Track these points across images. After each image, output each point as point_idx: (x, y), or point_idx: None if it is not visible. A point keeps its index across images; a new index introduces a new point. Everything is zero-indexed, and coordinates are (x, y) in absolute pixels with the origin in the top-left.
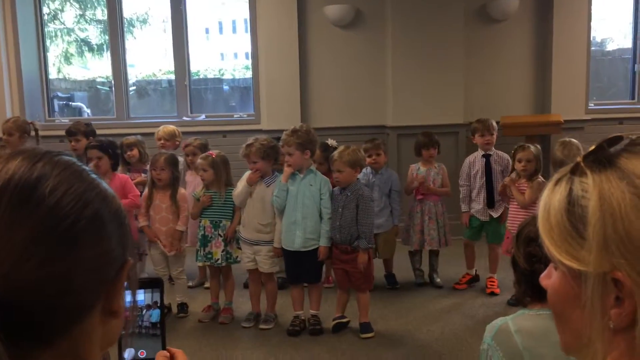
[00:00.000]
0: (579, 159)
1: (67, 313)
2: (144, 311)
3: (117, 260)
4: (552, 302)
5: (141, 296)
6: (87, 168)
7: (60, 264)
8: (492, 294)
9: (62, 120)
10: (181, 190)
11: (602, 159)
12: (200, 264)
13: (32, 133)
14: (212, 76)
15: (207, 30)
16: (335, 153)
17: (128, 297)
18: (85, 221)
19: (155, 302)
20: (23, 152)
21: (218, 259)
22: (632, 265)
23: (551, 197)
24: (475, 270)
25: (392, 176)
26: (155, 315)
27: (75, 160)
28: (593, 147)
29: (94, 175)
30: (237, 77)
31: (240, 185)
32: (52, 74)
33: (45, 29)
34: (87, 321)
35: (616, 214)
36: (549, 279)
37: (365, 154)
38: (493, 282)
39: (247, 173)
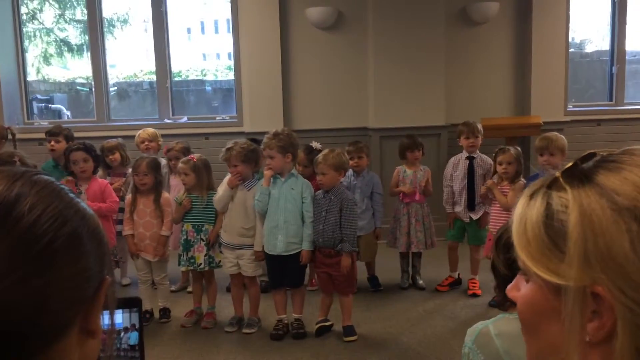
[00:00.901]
0: (557, 174)
1: (43, 332)
2: (122, 334)
3: (94, 279)
4: (523, 314)
5: (119, 318)
6: (65, 187)
7: (37, 282)
8: (474, 295)
9: (42, 123)
10: (165, 195)
11: (580, 175)
12: (183, 268)
13: (9, 137)
14: (194, 77)
15: (188, 30)
16: (320, 156)
17: (106, 320)
18: (63, 239)
19: (134, 325)
20: (1, 172)
21: (201, 264)
22: (612, 280)
23: (527, 211)
24: (459, 274)
25: (373, 178)
26: (133, 337)
27: (54, 180)
28: (570, 164)
29: (72, 195)
30: (219, 77)
31: (221, 189)
32: (31, 75)
33: (24, 29)
34: (64, 341)
35: (597, 229)
36: (517, 290)
37: (348, 157)
38: (475, 283)
39: (227, 177)
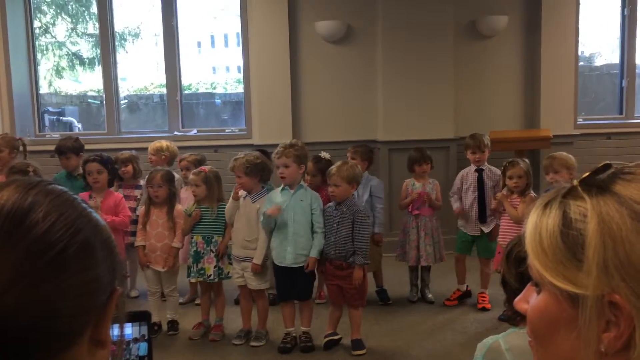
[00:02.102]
0: (574, 182)
1: (54, 339)
2: (131, 344)
3: (105, 289)
4: (535, 325)
5: (129, 330)
6: (78, 198)
7: (48, 288)
8: (484, 309)
9: (53, 135)
10: (178, 207)
11: (599, 184)
12: (193, 279)
13: (21, 148)
14: (204, 90)
15: (199, 44)
16: (333, 167)
17: (115, 331)
18: (75, 247)
19: (143, 336)
20: (16, 181)
21: (210, 275)
22: (631, 288)
23: (542, 220)
24: (467, 286)
25: (371, 182)
26: (142, 348)
27: (67, 190)
28: (587, 174)
29: (85, 205)
30: (229, 90)
31: (229, 202)
32: (43, 88)
33: (37, 43)
34: (74, 349)
35: (617, 237)
36: (526, 302)
37: (347, 154)
38: (484, 297)
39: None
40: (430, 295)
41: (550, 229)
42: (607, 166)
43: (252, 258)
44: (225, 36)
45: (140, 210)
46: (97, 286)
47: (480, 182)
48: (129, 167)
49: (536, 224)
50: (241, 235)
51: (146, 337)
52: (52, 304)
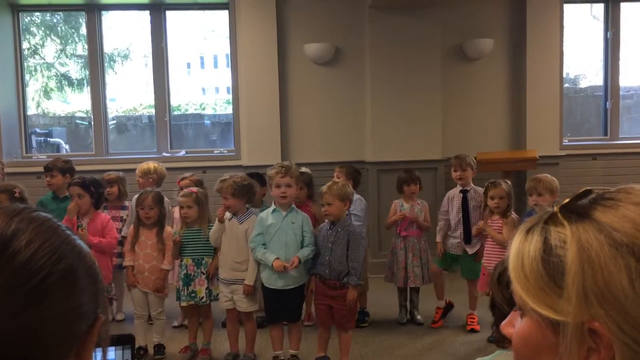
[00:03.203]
0: (555, 209)
1: None
2: None
3: (88, 316)
4: (519, 350)
5: (112, 354)
6: (62, 225)
7: (31, 316)
8: (473, 330)
9: (40, 157)
10: (167, 228)
11: (578, 210)
12: (184, 303)
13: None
14: (194, 110)
15: (188, 65)
16: (325, 187)
17: (98, 357)
18: (58, 274)
19: None
20: (0, 208)
21: (203, 297)
22: (610, 315)
23: (524, 246)
24: (446, 300)
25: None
26: None
27: (52, 217)
28: (567, 200)
29: (69, 232)
30: (218, 111)
31: (215, 225)
32: (31, 109)
33: (25, 64)
34: None
35: (595, 264)
36: (512, 327)
37: (335, 175)
38: (473, 319)
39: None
40: (419, 317)
41: (531, 255)
42: (588, 192)
43: (242, 280)
44: (215, 57)
45: (129, 230)
46: (80, 314)
47: (464, 203)
48: (114, 189)
49: (519, 249)
50: (230, 257)
51: None
52: (34, 332)
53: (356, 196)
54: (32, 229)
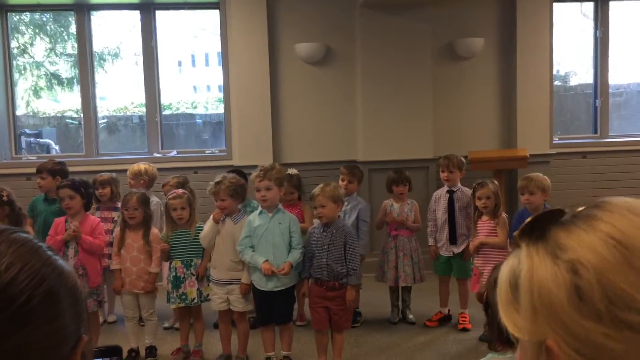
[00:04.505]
0: (515, 233)
1: None
2: None
3: (71, 337)
4: None
5: None
6: (43, 245)
7: (13, 341)
8: (464, 329)
9: (30, 158)
10: (154, 231)
11: (537, 231)
12: (174, 306)
13: None
14: (185, 109)
15: (179, 63)
16: (317, 189)
17: None
18: (39, 298)
19: None
20: None
21: (194, 298)
22: (556, 332)
23: (503, 268)
24: (449, 310)
25: (360, 204)
26: None
27: (32, 238)
28: (527, 221)
29: (50, 252)
30: (210, 110)
31: (207, 226)
32: (21, 109)
33: (14, 63)
34: None
35: (541, 284)
36: None
37: (340, 178)
38: (465, 317)
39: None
40: (411, 316)
41: (503, 277)
42: (558, 212)
43: (238, 280)
44: (206, 55)
45: (115, 233)
46: (63, 336)
47: (450, 203)
48: (107, 190)
49: (502, 269)
50: (227, 257)
51: None
52: (17, 357)
53: (363, 203)
54: (12, 252)
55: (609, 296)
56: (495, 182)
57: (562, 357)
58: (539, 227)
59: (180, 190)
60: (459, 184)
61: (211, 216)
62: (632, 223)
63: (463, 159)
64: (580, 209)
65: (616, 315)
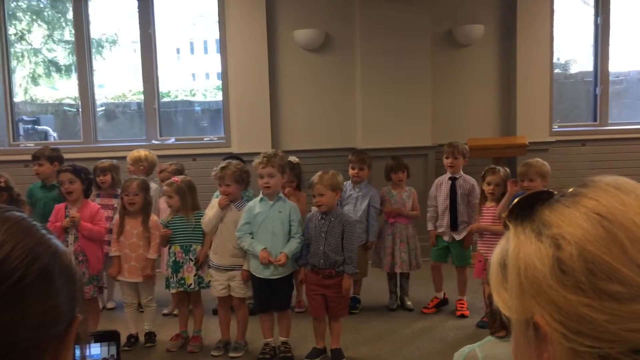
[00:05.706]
0: (504, 215)
1: None
2: None
3: (65, 317)
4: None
5: (97, 349)
6: (37, 224)
7: (6, 319)
8: (462, 316)
9: (27, 145)
10: (153, 217)
11: (524, 211)
12: (173, 290)
13: None
14: (183, 97)
15: (178, 50)
16: (315, 177)
17: (77, 352)
18: (33, 276)
19: (112, 356)
20: None
21: (191, 284)
22: (542, 307)
23: (495, 250)
24: (444, 294)
25: (371, 191)
26: None
27: (26, 217)
28: (515, 201)
29: (44, 231)
30: (208, 97)
31: (210, 212)
32: (19, 96)
33: (12, 50)
34: None
35: (526, 260)
36: None
37: (349, 166)
38: (463, 304)
39: (215, 201)
40: (409, 303)
41: (496, 254)
42: (546, 192)
43: (240, 266)
44: (205, 42)
45: (115, 220)
46: (56, 315)
47: (452, 190)
48: (108, 177)
49: (495, 250)
50: (230, 243)
51: (115, 358)
52: (9, 336)
53: (374, 190)
54: (5, 230)
55: (589, 268)
56: (507, 169)
57: (549, 332)
58: (527, 208)
59: (176, 178)
60: (462, 172)
61: (213, 201)
62: (617, 199)
63: (467, 147)
64: (569, 190)
65: (597, 286)
